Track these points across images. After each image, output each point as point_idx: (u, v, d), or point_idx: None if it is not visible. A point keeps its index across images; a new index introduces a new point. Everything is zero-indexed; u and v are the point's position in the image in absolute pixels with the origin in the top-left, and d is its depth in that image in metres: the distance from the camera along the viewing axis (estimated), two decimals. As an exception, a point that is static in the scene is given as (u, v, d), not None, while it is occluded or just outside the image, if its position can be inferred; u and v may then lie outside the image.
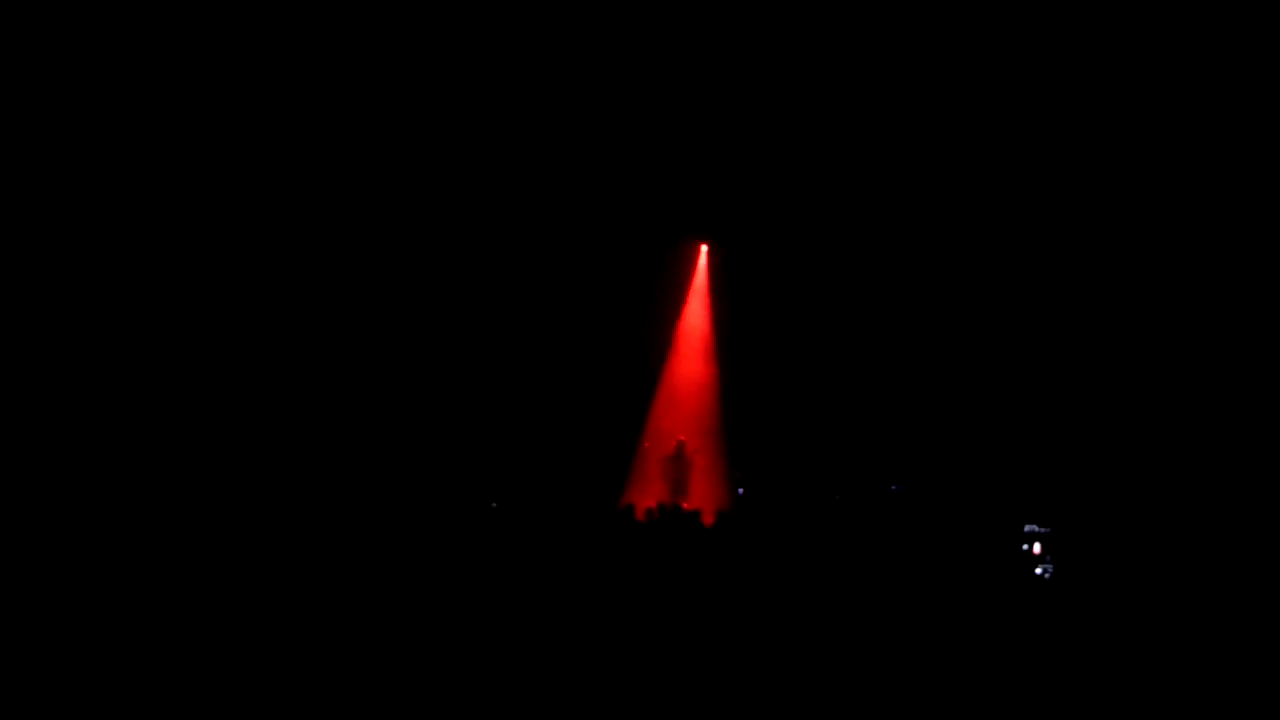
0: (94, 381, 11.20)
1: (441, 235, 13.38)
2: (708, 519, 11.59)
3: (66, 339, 11.11)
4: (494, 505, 11.90)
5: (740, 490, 14.84)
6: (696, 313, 15.69)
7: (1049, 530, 11.53)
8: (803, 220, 14.48)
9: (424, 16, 11.86)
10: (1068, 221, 13.25)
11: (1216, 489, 11.73)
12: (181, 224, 11.86)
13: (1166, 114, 12.27)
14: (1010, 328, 13.82)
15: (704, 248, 15.83)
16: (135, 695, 6.02)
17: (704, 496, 14.45)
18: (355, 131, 12.42)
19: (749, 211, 14.58)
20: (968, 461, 13.71)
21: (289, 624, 7.11)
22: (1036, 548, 11.45)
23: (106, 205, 11.52)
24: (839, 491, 14.02)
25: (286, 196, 12.25)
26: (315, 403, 12.44)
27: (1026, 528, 11.69)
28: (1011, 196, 13.40)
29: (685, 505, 13.21)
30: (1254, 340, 12.01)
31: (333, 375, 12.78)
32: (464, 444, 13.52)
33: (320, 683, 6.46)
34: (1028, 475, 13.14)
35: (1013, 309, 13.80)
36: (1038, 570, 10.91)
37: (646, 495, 14.10)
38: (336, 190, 12.54)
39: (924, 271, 14.29)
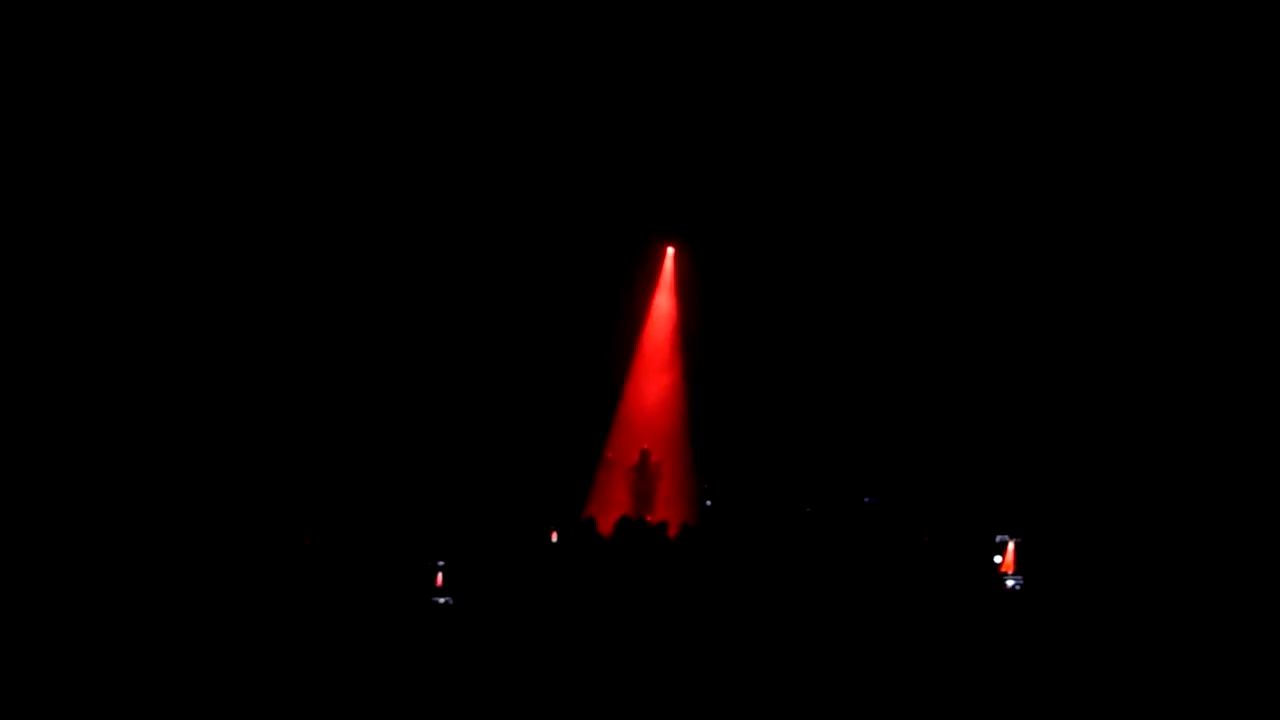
0: (90, 382, 11.94)
1: (395, 233, 14.09)
2: (674, 532, 11.70)
3: (67, 339, 11.86)
4: (443, 525, 12.09)
5: (708, 502, 15.18)
6: (663, 316, 16.05)
7: (1020, 541, 11.88)
8: (773, 220, 15.03)
9: (386, 20, 12.84)
10: (1041, 221, 13.90)
11: (1193, 494, 12.34)
12: (168, 222, 12.64)
13: (1140, 116, 13.21)
14: (986, 330, 14.37)
15: (670, 249, 16.15)
16: (133, 695, 6.62)
17: (670, 509, 14.68)
18: (312, 137, 13.22)
19: (717, 211, 15.11)
20: (943, 471, 14.27)
21: (244, 639, 7.71)
22: (1007, 558, 11.86)
23: (107, 205, 12.31)
24: (810, 504, 14.33)
25: (256, 193, 13.11)
26: (263, 399, 13.09)
27: (998, 538, 12.03)
28: (984, 196, 14.05)
29: (650, 518, 13.35)
30: (1231, 351, 12.85)
31: (291, 367, 13.45)
32: (412, 452, 13.94)
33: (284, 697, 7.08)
34: (1003, 484, 13.73)
35: (987, 312, 14.37)
36: (1009, 583, 11.19)
37: (610, 508, 14.25)
38: (287, 195, 13.31)
39: (897, 275, 14.84)
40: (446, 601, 9.68)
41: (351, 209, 13.71)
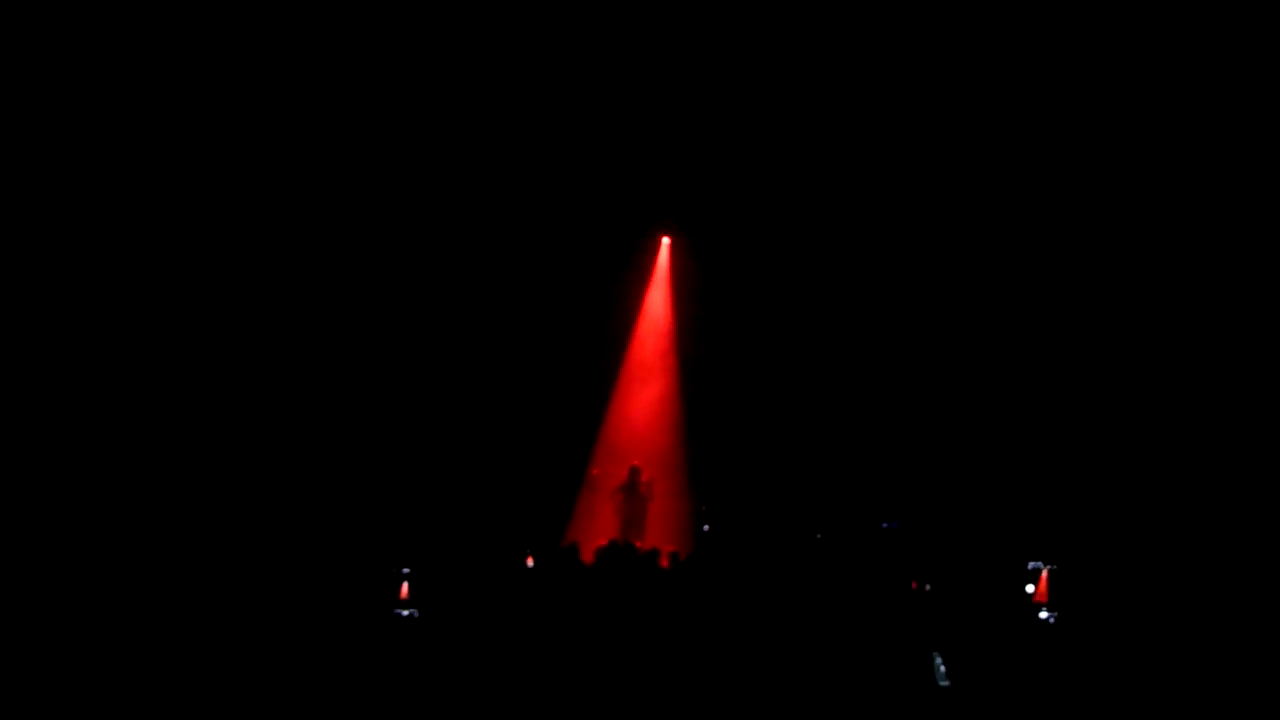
0: (87, 383, 12.25)
1: (371, 225, 13.99)
2: (666, 560, 11.55)
3: (66, 339, 12.17)
4: (408, 537, 11.96)
5: (705, 527, 14.80)
6: (656, 315, 15.73)
7: (1055, 568, 11.67)
8: (780, 209, 14.66)
9: (381, 14, 13.00)
10: (1079, 220, 13.70)
11: (1246, 512, 12.08)
12: (163, 223, 12.95)
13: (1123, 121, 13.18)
14: (1013, 332, 14.08)
15: (666, 240, 15.83)
16: (132, 695, 6.88)
17: (662, 534, 14.42)
18: (301, 126, 13.33)
19: (719, 198, 14.74)
20: (969, 491, 13.97)
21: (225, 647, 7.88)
22: (1040, 588, 11.68)
23: (106, 206, 12.57)
24: (821, 529, 14.03)
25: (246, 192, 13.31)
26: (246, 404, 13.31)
27: (1030, 565, 11.86)
28: (1010, 187, 13.85)
29: (640, 544, 13.02)
30: (1256, 362, 12.63)
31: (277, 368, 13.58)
32: (374, 459, 13.74)
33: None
34: (1036, 504, 13.39)
35: (1016, 313, 14.09)
36: (1042, 615, 10.91)
37: (594, 532, 13.98)
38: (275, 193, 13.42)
39: (917, 271, 14.54)
40: (411, 614, 9.74)
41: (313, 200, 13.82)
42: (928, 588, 11.40)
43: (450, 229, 14.36)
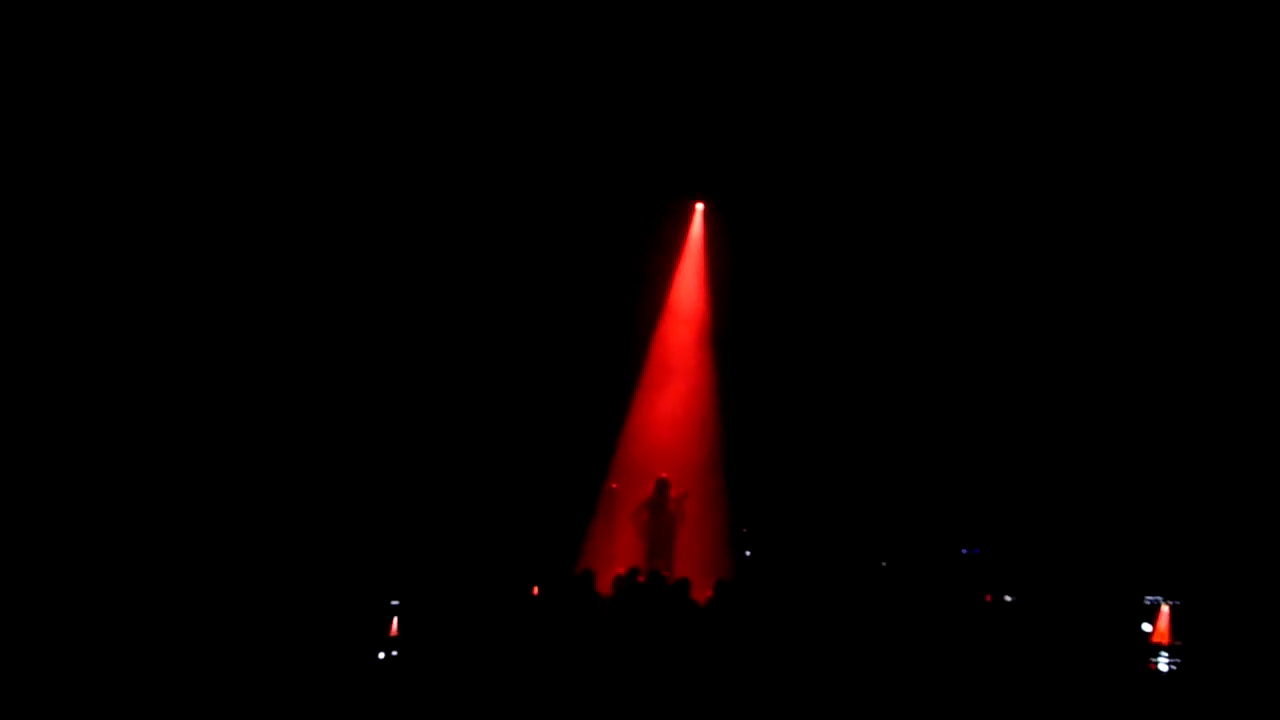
0: (85, 384, 12.81)
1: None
2: (700, 592, 11.12)
3: (67, 340, 12.73)
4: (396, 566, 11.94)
5: (747, 552, 14.50)
6: (688, 299, 15.26)
7: (1178, 604, 11.37)
8: (835, 173, 14.24)
9: None
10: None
11: None
12: (158, 224, 13.43)
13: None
14: (1122, 325, 13.88)
15: (699, 207, 15.34)
16: (132, 695, 7.71)
17: (695, 560, 13.95)
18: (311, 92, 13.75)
19: (762, 159, 14.23)
20: (1068, 511, 13.54)
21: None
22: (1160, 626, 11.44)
23: (107, 206, 13.07)
24: (887, 556, 13.80)
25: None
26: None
27: (1147, 600, 11.59)
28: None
29: (668, 573, 12.82)
30: None
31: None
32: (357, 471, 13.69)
33: None
34: (1154, 529, 13.10)
35: (1121, 307, 13.93)
36: (1161, 664, 10.58)
37: (613, 557, 13.78)
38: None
39: (1004, 252, 14.23)
40: (397, 656, 9.86)
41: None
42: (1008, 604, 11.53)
43: (445, 196, 14.35)
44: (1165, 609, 11.46)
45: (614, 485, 14.72)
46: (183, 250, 13.51)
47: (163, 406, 13.28)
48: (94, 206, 13.13)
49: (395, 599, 10.60)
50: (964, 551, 13.85)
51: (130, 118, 13.17)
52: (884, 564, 13.62)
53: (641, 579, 11.39)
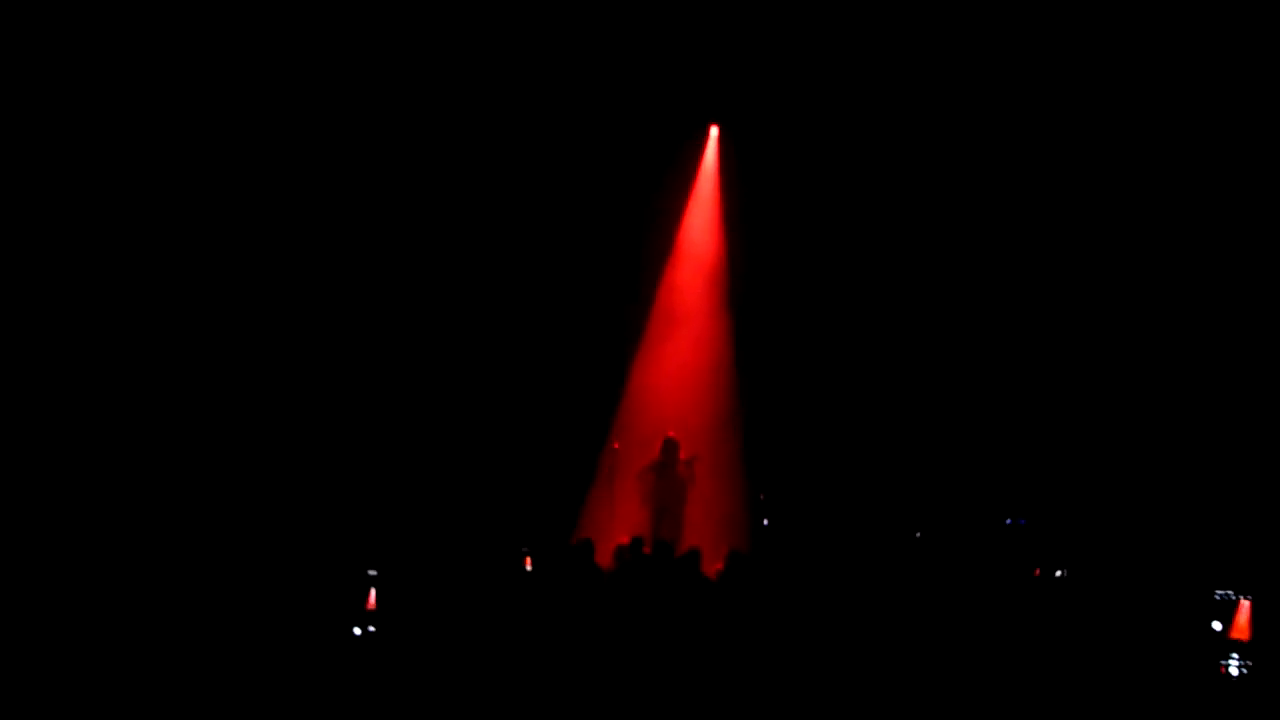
0: (83, 385, 13.12)
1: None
2: (711, 565, 10.87)
3: (66, 340, 13.06)
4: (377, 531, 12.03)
5: (765, 520, 14.32)
6: (700, 234, 14.84)
7: (1257, 598, 10.97)
8: (873, 97, 13.82)
9: None
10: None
11: None
12: (163, 223, 13.66)
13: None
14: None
15: (714, 131, 14.82)
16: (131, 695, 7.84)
17: (706, 529, 13.68)
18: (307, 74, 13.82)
19: (788, 79, 13.79)
20: (1131, 482, 13.30)
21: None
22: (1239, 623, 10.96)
23: (106, 206, 13.35)
24: (920, 526, 13.63)
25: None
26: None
27: (1218, 594, 11.35)
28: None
29: (676, 542, 12.65)
30: None
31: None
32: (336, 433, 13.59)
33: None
34: (1228, 508, 12.75)
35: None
36: (1232, 667, 10.20)
37: (614, 526, 13.63)
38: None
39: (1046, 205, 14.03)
40: (373, 632, 9.82)
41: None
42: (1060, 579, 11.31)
43: (427, 114, 14.08)
44: (1244, 605, 10.94)
45: (616, 445, 14.42)
46: (177, 246, 13.81)
47: (147, 390, 13.52)
48: (94, 206, 13.49)
49: (373, 569, 10.53)
50: (1009, 521, 13.64)
51: (130, 117, 13.53)
52: (918, 535, 13.45)
53: (647, 550, 11.19)
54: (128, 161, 13.71)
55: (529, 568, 11.31)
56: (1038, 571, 11.68)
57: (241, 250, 14.23)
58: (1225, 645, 10.59)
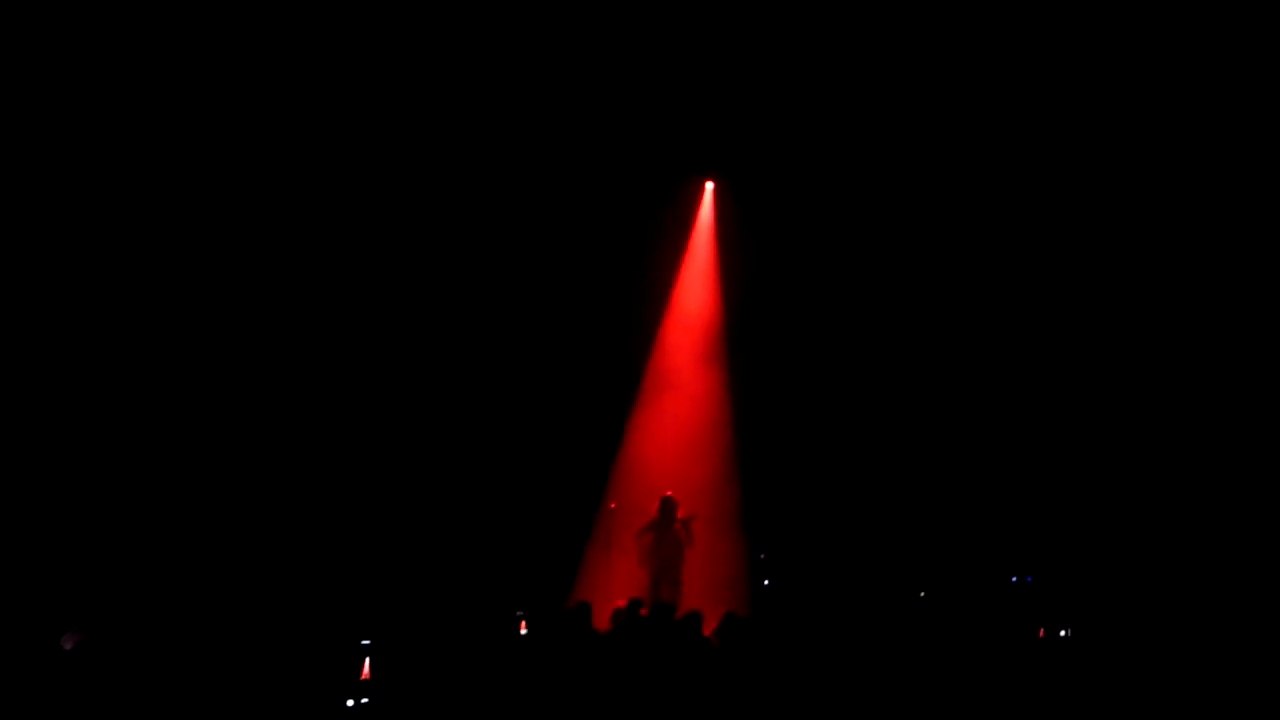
0: (82, 385, 13.20)
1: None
2: (710, 626, 10.48)
3: (67, 340, 13.12)
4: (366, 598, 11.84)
5: (765, 581, 14.30)
6: (696, 289, 14.96)
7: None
8: (867, 152, 13.99)
9: None
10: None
11: None
12: (157, 224, 13.69)
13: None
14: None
15: (709, 186, 15.04)
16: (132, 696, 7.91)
17: (706, 590, 13.61)
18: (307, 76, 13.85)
19: (783, 132, 13.91)
20: (1132, 528, 13.24)
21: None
22: None
23: (107, 205, 13.40)
24: (925, 585, 13.58)
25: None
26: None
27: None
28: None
29: (675, 604, 12.50)
30: None
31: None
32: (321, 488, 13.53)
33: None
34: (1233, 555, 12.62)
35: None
36: None
37: (611, 588, 13.41)
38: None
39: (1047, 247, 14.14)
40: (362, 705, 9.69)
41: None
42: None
43: (426, 171, 14.16)
44: None
45: (613, 505, 14.41)
46: (181, 250, 13.79)
47: (150, 405, 13.50)
48: (94, 206, 13.47)
49: (367, 637, 10.31)
50: (1014, 579, 13.58)
51: (130, 117, 13.52)
52: (922, 594, 13.38)
53: (644, 612, 11.13)
54: (128, 161, 13.64)
55: (524, 632, 11.14)
56: (1042, 632, 11.56)
57: (237, 268, 14.09)
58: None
